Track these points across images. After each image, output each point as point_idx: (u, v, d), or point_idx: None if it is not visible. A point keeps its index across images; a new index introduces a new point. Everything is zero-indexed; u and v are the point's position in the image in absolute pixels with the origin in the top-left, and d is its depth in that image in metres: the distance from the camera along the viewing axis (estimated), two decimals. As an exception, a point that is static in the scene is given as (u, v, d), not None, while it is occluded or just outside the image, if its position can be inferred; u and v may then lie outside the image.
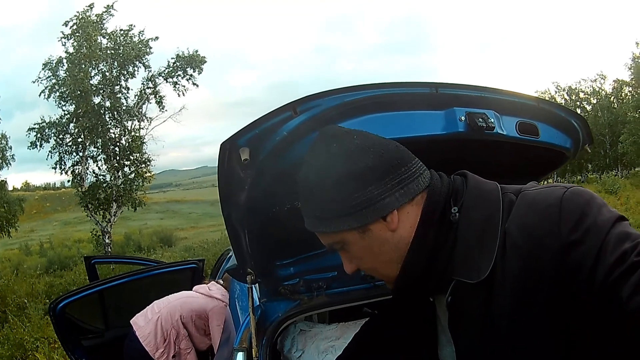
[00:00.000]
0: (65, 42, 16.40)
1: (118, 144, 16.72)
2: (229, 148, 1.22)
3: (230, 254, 3.88)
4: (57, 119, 16.49)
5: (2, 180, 16.91)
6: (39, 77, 16.43)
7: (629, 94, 34.77)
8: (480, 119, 1.44)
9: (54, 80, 16.30)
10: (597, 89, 38.33)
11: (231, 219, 1.50)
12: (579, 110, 38.48)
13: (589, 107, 38.35)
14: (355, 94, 1.25)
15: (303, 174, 0.98)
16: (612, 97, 37.41)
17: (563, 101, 39.34)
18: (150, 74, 17.26)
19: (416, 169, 0.97)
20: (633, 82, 33.36)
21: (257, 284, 1.93)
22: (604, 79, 38.28)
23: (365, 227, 0.95)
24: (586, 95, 38.75)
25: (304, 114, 1.21)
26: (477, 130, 1.43)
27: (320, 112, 1.21)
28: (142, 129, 17.27)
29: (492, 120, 1.48)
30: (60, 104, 16.37)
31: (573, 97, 38.88)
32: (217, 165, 1.27)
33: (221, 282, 3.82)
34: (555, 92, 39.91)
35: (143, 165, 17.08)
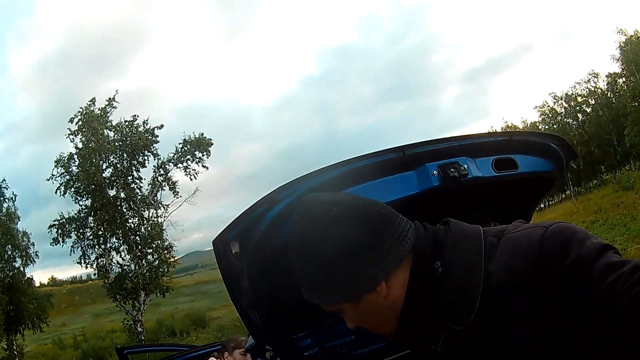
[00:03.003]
0: (73, 139, 17.12)
1: (138, 233, 17.01)
2: (220, 244, 1.30)
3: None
4: (75, 213, 16.94)
5: (29, 278, 17.15)
6: (53, 175, 17.04)
7: (623, 85, 34.32)
8: (452, 169, 1.50)
9: (67, 177, 16.88)
10: (593, 89, 38.12)
11: (240, 303, 1.56)
12: (579, 115, 38.19)
13: (588, 110, 37.99)
14: (327, 174, 1.33)
15: (291, 251, 0.99)
16: (609, 93, 37.06)
17: (563, 110, 39.09)
18: (160, 161, 17.81)
19: (400, 230, 0.96)
20: (625, 72, 33.10)
21: (277, 359, 1.93)
22: (597, 77, 38.11)
23: (356, 299, 0.96)
24: (584, 98, 38.47)
25: (282, 202, 1.29)
26: (452, 180, 1.48)
27: (297, 197, 1.28)
28: (160, 216, 17.63)
29: (465, 166, 1.54)
30: (76, 199, 16.88)
31: (571, 103, 38.59)
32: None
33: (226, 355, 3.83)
34: (554, 102, 39.68)
35: (166, 252, 17.28)
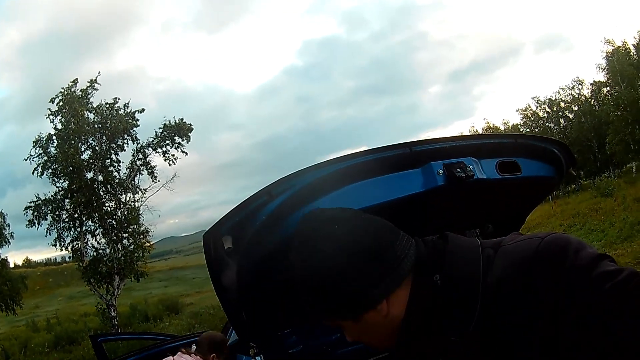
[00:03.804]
0: (53, 119, 16.68)
1: (114, 217, 16.71)
2: (212, 238, 1.22)
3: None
4: (52, 195, 16.55)
5: (3, 259, 16.82)
6: (31, 155, 16.60)
7: (607, 94, 34.96)
8: (459, 169, 1.45)
9: (45, 158, 16.46)
10: (577, 96, 38.77)
11: (226, 300, 1.50)
12: (561, 121, 38.87)
13: (571, 115, 38.67)
14: (329, 167, 1.26)
15: (288, 269, 0.99)
16: (592, 101, 37.73)
17: (545, 114, 39.72)
18: (140, 145, 17.46)
19: (402, 249, 0.96)
20: (610, 81, 33.65)
21: (261, 356, 1.90)
22: (581, 84, 38.76)
23: (357, 318, 0.96)
24: (567, 104, 39.13)
25: (280, 196, 1.21)
26: (457, 180, 1.44)
27: (296, 192, 1.22)
28: (137, 201, 17.32)
29: (471, 167, 1.50)
30: (53, 180, 16.49)
31: (554, 109, 39.25)
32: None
33: (193, 347, 3.65)
34: (536, 106, 40.31)
35: (141, 237, 17.02)
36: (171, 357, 3.42)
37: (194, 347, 3.50)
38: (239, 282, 1.40)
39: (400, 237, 0.98)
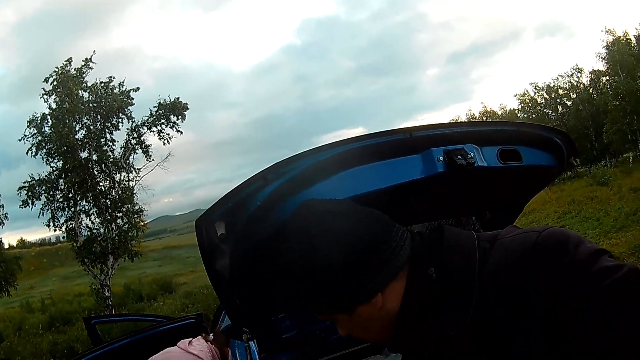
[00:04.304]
0: (47, 99, 16.54)
1: (109, 196, 16.69)
2: (204, 225, 1.18)
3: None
4: (46, 175, 16.52)
5: (-3, 240, 16.78)
6: (25, 135, 16.50)
7: (606, 83, 34.95)
8: (459, 156, 1.41)
9: (39, 138, 16.38)
10: (575, 83, 38.71)
11: (220, 285, 1.47)
12: (559, 108, 38.84)
13: (569, 103, 38.67)
14: (327, 152, 1.22)
15: (282, 261, 0.98)
16: (591, 89, 37.72)
17: (543, 101, 39.68)
18: (134, 124, 17.37)
19: (397, 241, 0.96)
20: (609, 70, 33.61)
21: (254, 340, 1.89)
22: (580, 72, 38.65)
23: (351, 310, 0.95)
24: (565, 91, 39.09)
25: (276, 180, 1.17)
26: (458, 168, 1.40)
27: (293, 177, 1.18)
28: (131, 180, 17.31)
29: (472, 154, 1.46)
30: (47, 160, 16.44)
31: (552, 95, 39.20)
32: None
33: (211, 337, 3.67)
34: (535, 92, 40.24)
35: (136, 216, 17.04)
36: (176, 348, 3.43)
37: (211, 335, 3.54)
38: (232, 268, 1.37)
39: (396, 230, 0.99)
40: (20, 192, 16.44)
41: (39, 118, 16.51)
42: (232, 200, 1.16)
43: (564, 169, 2.00)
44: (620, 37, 32.42)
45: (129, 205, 16.84)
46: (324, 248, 0.92)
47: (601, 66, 35.15)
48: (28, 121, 16.54)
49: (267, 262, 1.41)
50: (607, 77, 34.86)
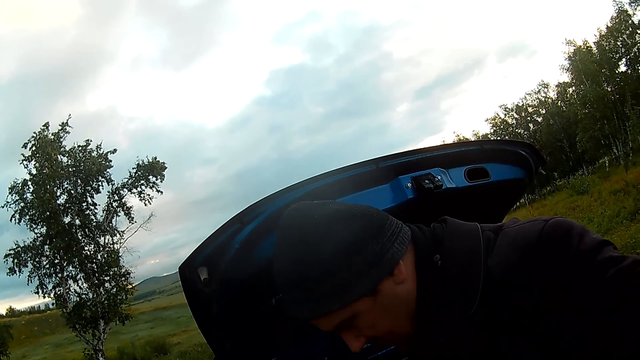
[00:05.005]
0: (27, 164, 16.52)
1: (95, 260, 16.45)
2: (187, 271, 1.21)
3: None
4: (31, 242, 16.31)
5: (-14, 310, 16.24)
6: (7, 202, 16.37)
7: (573, 93, 35.77)
8: (427, 180, 1.47)
9: (22, 204, 16.25)
10: (543, 99, 39.74)
11: (209, 331, 1.47)
12: (530, 125, 39.71)
13: (539, 119, 39.54)
14: (299, 190, 1.27)
15: (284, 262, 0.91)
16: (559, 102, 38.73)
17: (514, 121, 40.55)
18: (114, 186, 17.35)
19: (396, 220, 0.95)
20: (574, 80, 34.41)
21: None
22: (547, 87, 39.86)
23: (375, 289, 0.89)
24: (534, 108, 40.03)
25: (253, 222, 1.21)
26: (426, 192, 1.46)
27: (268, 217, 1.22)
28: (116, 243, 17.15)
29: (439, 177, 1.52)
30: (31, 226, 16.25)
31: (522, 114, 40.10)
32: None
33: None
34: (505, 114, 41.16)
35: (123, 279, 16.80)
36: None
37: None
38: (219, 312, 1.38)
39: (390, 216, 0.96)
40: (7, 260, 16.18)
41: (20, 184, 16.42)
42: (212, 245, 1.19)
43: (533, 179, 2.06)
44: (580, 46, 33.36)
45: (116, 269, 16.59)
46: (334, 224, 0.88)
47: (566, 77, 36.21)
48: (9, 188, 16.46)
49: (254, 299, 1.41)
50: (573, 88, 35.75)
